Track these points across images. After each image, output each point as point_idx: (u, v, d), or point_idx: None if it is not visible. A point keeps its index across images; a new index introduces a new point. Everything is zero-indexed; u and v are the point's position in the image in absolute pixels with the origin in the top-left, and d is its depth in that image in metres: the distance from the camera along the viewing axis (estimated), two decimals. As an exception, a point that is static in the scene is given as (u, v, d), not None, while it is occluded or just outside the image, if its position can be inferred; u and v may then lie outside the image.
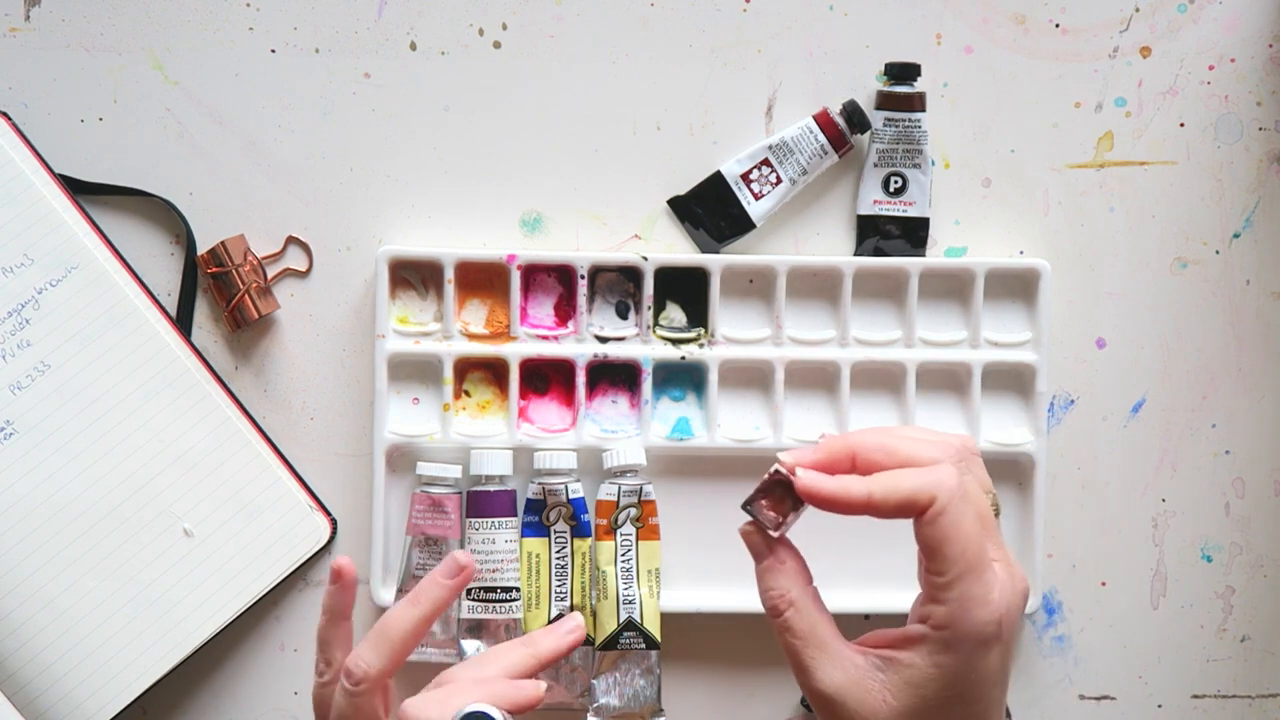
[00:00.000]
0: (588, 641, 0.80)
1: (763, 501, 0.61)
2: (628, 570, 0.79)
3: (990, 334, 0.82)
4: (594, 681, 0.79)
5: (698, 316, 0.82)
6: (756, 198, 0.83)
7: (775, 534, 0.62)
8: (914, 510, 0.58)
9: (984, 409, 0.82)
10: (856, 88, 0.83)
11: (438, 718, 0.67)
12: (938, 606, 0.59)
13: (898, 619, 0.83)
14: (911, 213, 0.83)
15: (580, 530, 0.80)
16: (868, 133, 0.82)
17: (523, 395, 0.82)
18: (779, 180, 0.83)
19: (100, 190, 0.81)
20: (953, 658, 0.58)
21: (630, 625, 0.79)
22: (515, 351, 0.81)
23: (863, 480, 0.59)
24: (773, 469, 0.61)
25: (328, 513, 0.82)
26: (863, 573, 0.81)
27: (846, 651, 0.61)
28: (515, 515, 0.80)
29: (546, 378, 0.82)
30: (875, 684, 0.59)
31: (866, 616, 0.82)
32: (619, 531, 0.80)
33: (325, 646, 0.73)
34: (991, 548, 0.59)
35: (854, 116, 0.82)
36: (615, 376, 0.83)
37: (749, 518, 0.62)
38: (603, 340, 0.82)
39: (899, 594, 0.81)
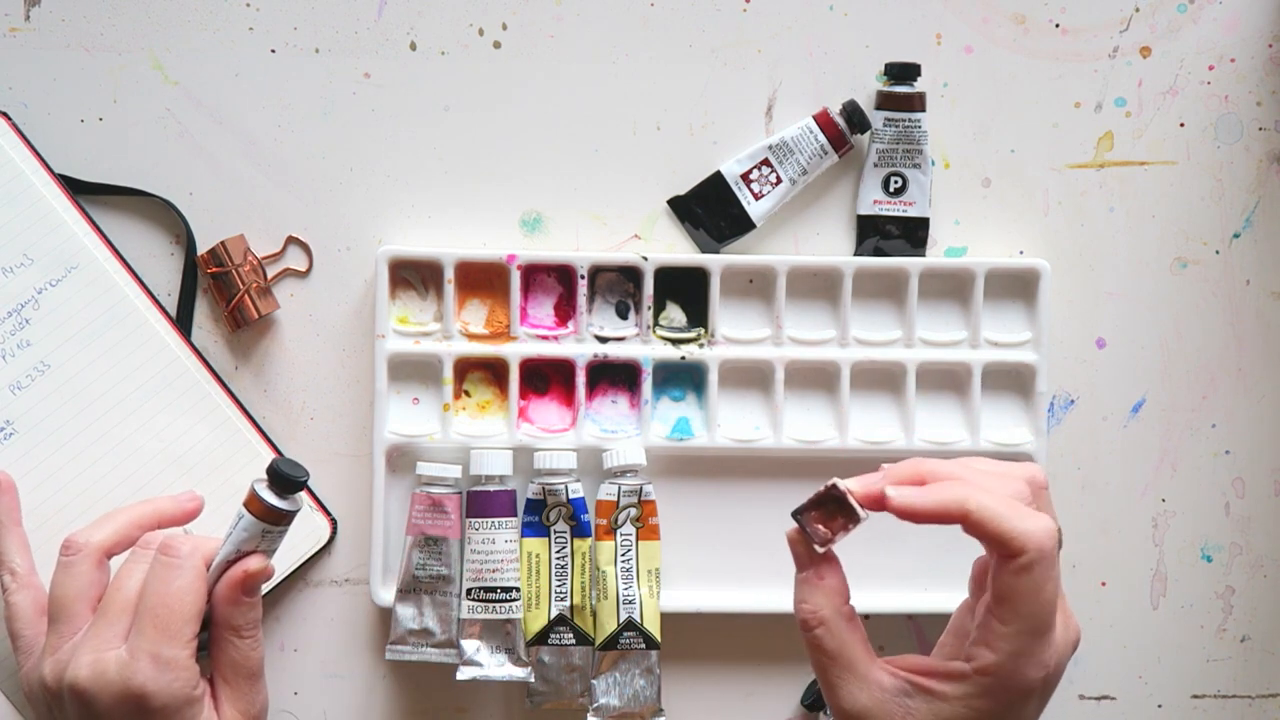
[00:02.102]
0: (588, 641, 0.80)
1: (814, 514, 0.60)
2: (628, 570, 0.79)
3: (990, 334, 0.82)
4: (594, 681, 0.79)
5: (698, 316, 0.82)
6: (756, 198, 0.83)
7: (820, 550, 0.61)
8: (1004, 550, 0.56)
9: (984, 409, 0.82)
10: (856, 88, 0.83)
11: (100, 538, 0.70)
12: (989, 653, 0.57)
13: (895, 620, 0.83)
14: (911, 213, 0.83)
15: (580, 530, 0.80)
16: (868, 133, 0.82)
17: (523, 395, 0.82)
18: (779, 180, 0.83)
19: (100, 190, 0.81)
20: (991, 704, 0.58)
21: (630, 625, 0.79)
22: (515, 351, 0.81)
23: (960, 492, 0.57)
24: (829, 483, 0.60)
25: (328, 513, 0.82)
26: (863, 572, 0.81)
27: (875, 673, 0.60)
28: (515, 515, 0.80)
29: (546, 378, 0.82)
30: (900, 710, 0.59)
31: (866, 616, 0.82)
32: (619, 531, 0.80)
33: (3, 558, 0.73)
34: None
35: (854, 116, 0.82)
36: (615, 376, 0.82)
37: (796, 524, 0.61)
38: (603, 340, 0.82)
39: (898, 594, 0.82)
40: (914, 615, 0.83)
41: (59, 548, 0.70)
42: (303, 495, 0.70)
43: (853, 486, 0.59)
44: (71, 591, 0.69)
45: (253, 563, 0.69)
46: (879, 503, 0.59)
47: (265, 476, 0.69)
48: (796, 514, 0.61)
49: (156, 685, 0.65)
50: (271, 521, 0.69)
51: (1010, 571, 0.56)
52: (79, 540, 0.70)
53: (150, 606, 0.67)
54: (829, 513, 0.60)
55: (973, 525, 0.57)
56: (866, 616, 0.82)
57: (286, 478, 0.68)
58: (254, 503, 0.69)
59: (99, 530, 0.71)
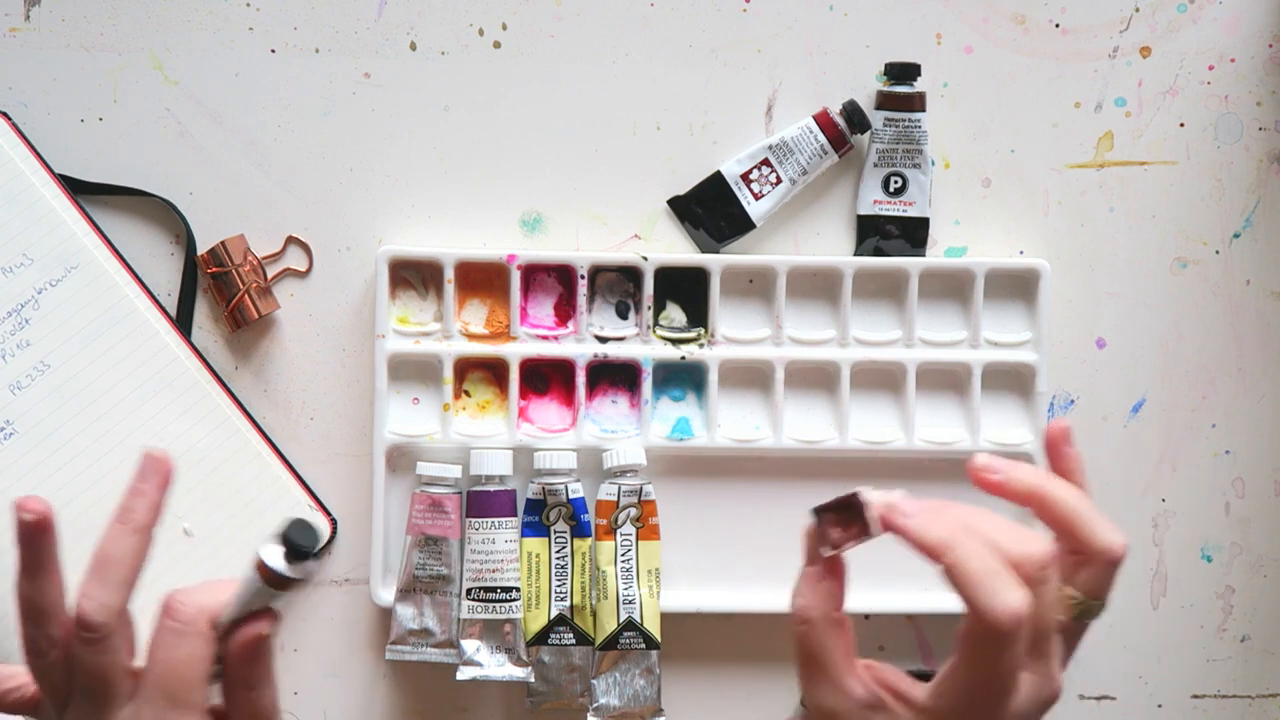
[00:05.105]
0: (588, 641, 0.80)
1: (831, 516, 0.60)
2: (628, 570, 0.79)
3: (990, 334, 0.82)
4: (594, 681, 0.79)
5: (698, 316, 0.82)
6: (756, 198, 0.83)
7: (826, 553, 0.60)
8: (969, 613, 0.56)
9: (984, 409, 0.82)
10: (856, 88, 0.83)
11: (216, 600, 0.62)
12: (942, 698, 0.57)
13: (895, 620, 0.83)
14: (911, 213, 0.83)
15: (580, 530, 0.80)
16: (868, 133, 0.82)
17: (523, 395, 0.81)
18: (779, 180, 0.83)
19: (100, 190, 0.81)
20: None
21: (630, 625, 0.79)
22: (515, 351, 0.81)
23: (949, 537, 0.56)
24: (854, 490, 0.58)
25: (328, 513, 0.82)
26: (863, 572, 0.81)
27: (848, 680, 0.59)
28: (515, 515, 0.80)
29: (546, 378, 0.82)
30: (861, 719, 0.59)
31: (866, 616, 0.82)
32: (619, 531, 0.80)
33: (42, 616, 0.61)
34: (1031, 660, 0.57)
35: (854, 116, 0.82)
36: (615, 376, 0.82)
37: (815, 520, 0.60)
38: (603, 340, 0.82)
39: (898, 594, 0.82)
40: (914, 615, 0.83)
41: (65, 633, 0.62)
42: (317, 563, 0.66)
43: (875, 501, 0.59)
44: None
45: (263, 626, 0.66)
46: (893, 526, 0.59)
47: (280, 545, 0.65)
48: (816, 511, 0.60)
49: None
50: (281, 589, 0.66)
51: (968, 636, 0.56)
52: (97, 611, 0.62)
53: (157, 675, 0.63)
54: (846, 519, 0.59)
55: (946, 576, 0.57)
56: (867, 616, 0.82)
57: (297, 548, 0.65)
58: (267, 574, 0.65)
59: (110, 590, 0.63)
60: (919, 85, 0.82)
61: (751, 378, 0.83)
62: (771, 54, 0.83)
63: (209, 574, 0.79)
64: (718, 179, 0.83)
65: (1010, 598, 0.56)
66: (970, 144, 0.84)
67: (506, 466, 0.80)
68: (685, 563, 0.82)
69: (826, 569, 0.60)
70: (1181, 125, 0.84)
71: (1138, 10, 0.84)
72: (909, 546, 0.58)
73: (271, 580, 0.64)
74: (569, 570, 0.80)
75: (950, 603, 0.79)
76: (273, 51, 0.82)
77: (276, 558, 0.63)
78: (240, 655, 0.66)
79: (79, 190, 0.81)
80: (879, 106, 0.82)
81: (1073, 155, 0.84)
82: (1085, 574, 0.60)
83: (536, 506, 0.80)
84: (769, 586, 0.82)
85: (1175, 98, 0.84)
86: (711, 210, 0.83)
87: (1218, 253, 0.85)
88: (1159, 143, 0.84)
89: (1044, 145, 0.84)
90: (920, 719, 0.58)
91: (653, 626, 0.79)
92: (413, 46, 0.82)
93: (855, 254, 0.83)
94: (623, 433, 0.82)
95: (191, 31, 0.82)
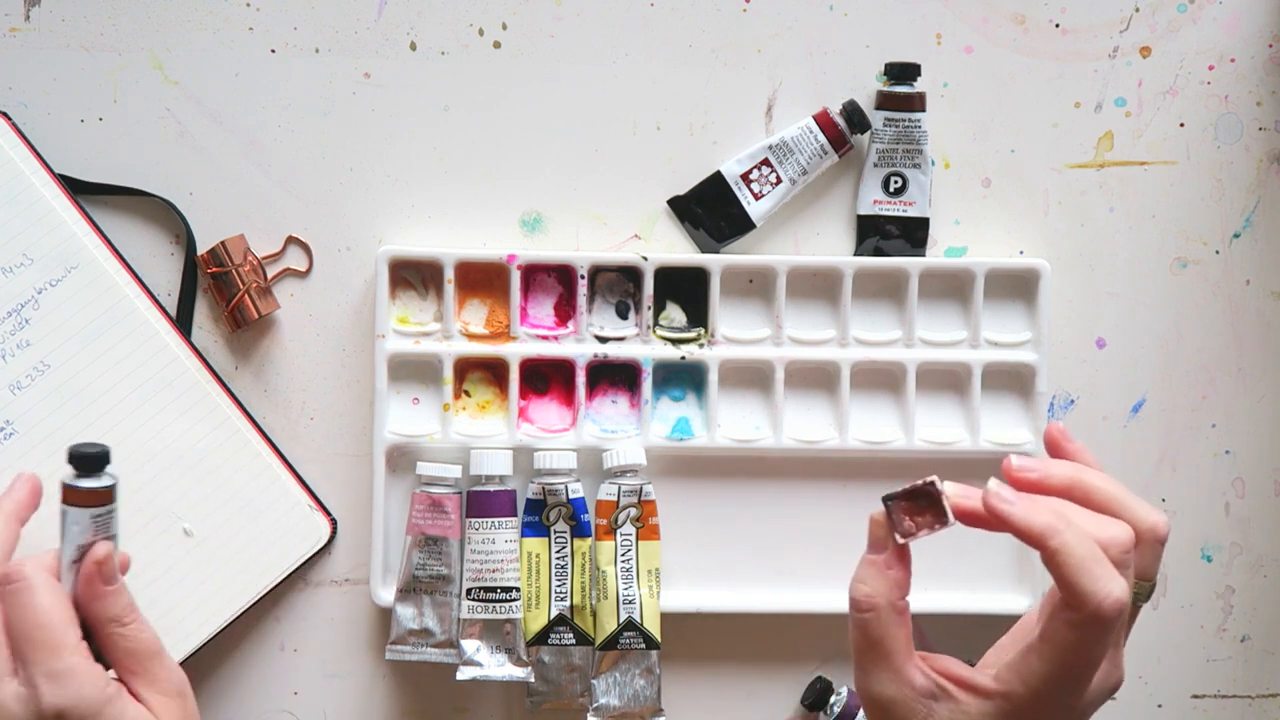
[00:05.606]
0: (588, 641, 0.80)
1: (904, 504, 0.60)
2: (628, 570, 0.79)
3: (990, 334, 0.82)
4: (594, 681, 0.79)
5: (698, 316, 0.82)
6: (756, 198, 0.83)
7: (900, 540, 0.60)
8: (1065, 598, 0.56)
9: (984, 409, 0.82)
10: (856, 88, 0.83)
11: (45, 557, 0.66)
12: (1018, 682, 0.57)
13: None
14: (911, 213, 0.83)
15: (580, 530, 0.80)
16: (868, 133, 0.82)
17: (523, 395, 0.82)
18: (779, 180, 0.83)
19: (100, 190, 0.81)
20: None
21: (630, 625, 0.79)
22: (515, 351, 0.81)
23: (1051, 523, 0.56)
24: (929, 478, 0.58)
25: (328, 513, 0.82)
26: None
27: (908, 668, 0.59)
28: (515, 515, 0.80)
29: (546, 378, 0.82)
30: (922, 710, 0.58)
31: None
32: (619, 531, 0.80)
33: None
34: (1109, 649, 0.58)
35: (854, 116, 0.82)
36: (615, 376, 0.82)
37: (885, 509, 0.60)
38: (603, 340, 0.82)
39: (934, 594, 0.81)
40: (914, 615, 0.83)
41: None
42: (112, 469, 0.66)
43: (951, 491, 0.59)
44: None
45: (99, 550, 0.65)
46: (972, 517, 0.59)
47: (70, 467, 0.66)
48: (888, 499, 0.60)
49: (67, 699, 0.62)
50: (95, 504, 0.66)
51: (1063, 620, 0.56)
52: None
53: (23, 633, 0.63)
54: (919, 507, 0.59)
55: (1048, 562, 0.56)
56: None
57: (85, 456, 0.65)
58: (69, 493, 0.66)
59: None
60: (919, 85, 0.82)
61: (751, 378, 0.83)
62: (771, 54, 0.83)
63: (209, 574, 0.79)
64: (718, 179, 0.83)
65: (1114, 585, 0.56)
66: (970, 144, 0.84)
67: (506, 466, 0.80)
68: (685, 563, 0.82)
69: (894, 557, 0.60)
70: (1181, 125, 0.84)
71: (1138, 10, 0.84)
72: (1004, 531, 0.58)
73: (83, 499, 0.65)
74: (569, 570, 0.80)
75: (949, 603, 0.80)
76: (273, 51, 0.82)
77: (72, 477, 0.65)
78: (91, 590, 0.66)
79: (79, 190, 0.81)
80: (879, 106, 0.82)
81: (1073, 155, 0.84)
82: (1134, 556, 0.60)
83: (536, 506, 0.80)
84: (769, 586, 0.82)
85: (1175, 98, 0.84)
86: (711, 210, 0.83)
87: (1218, 253, 0.85)
88: (1159, 143, 0.84)
89: (1044, 145, 0.84)
90: (991, 704, 0.58)
91: (653, 626, 0.79)
92: (413, 46, 0.82)
93: (855, 254, 0.83)
94: (623, 433, 0.82)
95: (191, 31, 0.82)
